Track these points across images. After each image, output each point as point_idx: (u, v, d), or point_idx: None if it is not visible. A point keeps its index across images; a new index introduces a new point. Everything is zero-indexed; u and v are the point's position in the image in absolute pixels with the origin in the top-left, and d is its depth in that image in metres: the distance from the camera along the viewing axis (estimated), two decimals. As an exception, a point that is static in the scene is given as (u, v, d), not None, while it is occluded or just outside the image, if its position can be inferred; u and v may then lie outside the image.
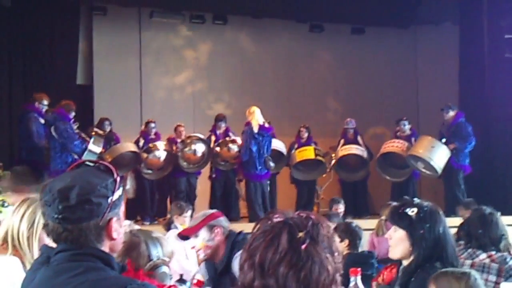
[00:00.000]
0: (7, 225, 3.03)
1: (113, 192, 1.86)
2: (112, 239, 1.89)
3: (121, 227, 1.93)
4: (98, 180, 1.85)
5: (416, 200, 3.01)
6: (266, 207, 9.74)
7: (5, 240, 3.01)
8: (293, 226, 1.43)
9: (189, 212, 6.72)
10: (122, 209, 1.94)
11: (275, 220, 1.47)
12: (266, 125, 9.86)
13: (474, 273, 2.71)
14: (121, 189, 1.90)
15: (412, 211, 2.91)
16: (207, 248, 3.86)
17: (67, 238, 1.83)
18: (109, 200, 1.84)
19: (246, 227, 8.19)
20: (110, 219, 1.87)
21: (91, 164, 1.93)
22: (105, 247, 1.88)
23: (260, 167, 9.70)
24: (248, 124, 9.63)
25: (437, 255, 2.86)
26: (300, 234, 1.42)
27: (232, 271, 3.76)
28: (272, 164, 9.93)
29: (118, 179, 1.89)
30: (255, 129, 9.58)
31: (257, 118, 9.67)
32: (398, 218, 2.96)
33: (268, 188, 10.15)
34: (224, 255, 3.85)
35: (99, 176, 1.87)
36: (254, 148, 9.60)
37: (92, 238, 1.84)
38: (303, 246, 1.40)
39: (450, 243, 2.90)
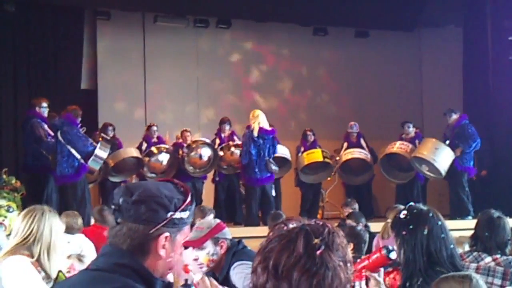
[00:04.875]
0: (30, 229, 3.11)
1: (176, 209, 1.81)
2: (158, 256, 1.81)
3: (173, 252, 1.84)
4: (167, 192, 1.83)
5: (412, 204, 2.99)
6: (267, 210, 9.32)
7: (26, 240, 3.09)
8: (309, 232, 1.44)
9: (211, 216, 6.51)
10: (182, 235, 1.87)
11: (290, 225, 1.47)
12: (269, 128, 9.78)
13: (475, 275, 2.71)
14: (188, 213, 1.85)
15: (403, 214, 2.90)
16: (211, 262, 3.81)
17: (116, 234, 1.80)
18: (168, 214, 1.80)
19: (242, 231, 8.20)
20: (162, 234, 1.80)
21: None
22: (150, 262, 1.81)
23: (259, 171, 9.52)
24: (249, 127, 9.56)
25: (431, 258, 2.82)
26: (316, 241, 1.42)
27: (231, 281, 3.71)
28: (274, 167, 9.68)
29: (190, 202, 1.85)
30: (255, 133, 9.44)
31: (260, 122, 9.50)
32: (394, 223, 2.96)
33: (274, 192, 9.99)
34: (225, 265, 3.80)
35: (171, 190, 1.85)
36: (254, 151, 9.46)
37: (137, 245, 1.78)
38: (318, 252, 1.41)
39: (438, 245, 2.83)
